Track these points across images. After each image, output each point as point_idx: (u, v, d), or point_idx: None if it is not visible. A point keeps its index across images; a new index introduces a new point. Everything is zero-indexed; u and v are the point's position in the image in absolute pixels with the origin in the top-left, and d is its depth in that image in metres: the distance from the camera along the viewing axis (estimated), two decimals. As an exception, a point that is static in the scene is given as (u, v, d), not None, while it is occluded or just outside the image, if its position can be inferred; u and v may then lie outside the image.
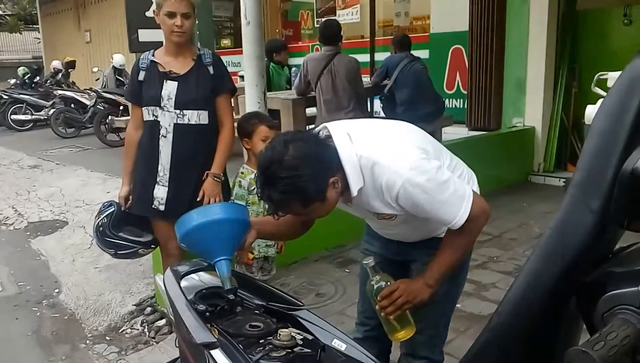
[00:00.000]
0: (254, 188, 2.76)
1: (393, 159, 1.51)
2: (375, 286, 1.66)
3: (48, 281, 3.98)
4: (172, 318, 1.48)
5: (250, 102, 3.64)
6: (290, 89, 6.09)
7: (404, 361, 1.95)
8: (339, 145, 1.53)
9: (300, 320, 1.50)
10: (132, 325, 3.22)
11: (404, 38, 5.76)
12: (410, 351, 1.91)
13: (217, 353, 1.29)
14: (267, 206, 1.53)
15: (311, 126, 4.44)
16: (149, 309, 3.32)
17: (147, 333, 3.11)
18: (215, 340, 1.32)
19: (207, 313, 1.46)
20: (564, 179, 5.59)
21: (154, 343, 3.01)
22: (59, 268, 4.19)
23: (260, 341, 1.38)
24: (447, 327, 1.95)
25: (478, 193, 1.70)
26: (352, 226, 2.40)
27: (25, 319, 3.42)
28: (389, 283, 1.65)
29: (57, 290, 3.81)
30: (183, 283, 1.56)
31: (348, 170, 1.52)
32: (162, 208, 2.70)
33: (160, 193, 2.71)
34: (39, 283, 3.93)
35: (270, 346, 1.35)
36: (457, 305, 3.15)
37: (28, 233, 5.04)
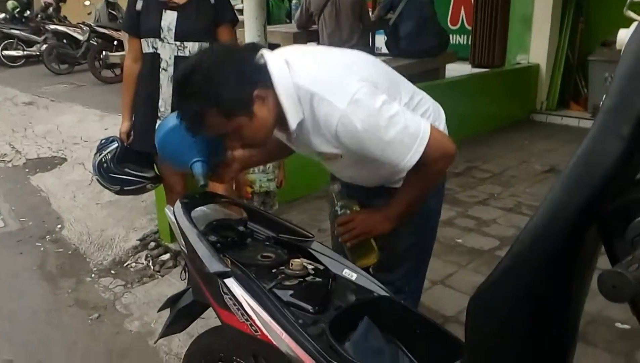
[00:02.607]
0: None
1: (331, 91, 1.35)
2: (340, 212, 1.61)
3: (50, 217, 3.99)
4: (184, 249, 1.47)
5: (249, 35, 3.50)
6: (291, 22, 5.92)
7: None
8: (275, 74, 1.38)
9: (311, 251, 1.51)
10: (137, 260, 3.25)
11: None
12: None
13: (230, 282, 1.29)
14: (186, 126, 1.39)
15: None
16: (152, 244, 3.34)
17: (152, 267, 3.14)
18: (229, 269, 1.32)
19: (219, 244, 1.46)
20: (592, 114, 5.42)
21: (159, 277, 3.05)
22: (60, 204, 4.19)
23: (273, 270, 1.39)
24: (420, 276, 1.84)
25: (445, 133, 1.56)
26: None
27: (30, 254, 3.44)
28: (349, 211, 1.61)
29: (59, 226, 3.82)
30: (192, 215, 1.55)
31: (284, 101, 1.37)
32: (164, 143, 2.66)
33: (162, 128, 2.66)
34: (40, 219, 3.94)
35: (283, 275, 1.37)
36: (459, 240, 3.23)
37: (27, 170, 5.01)
